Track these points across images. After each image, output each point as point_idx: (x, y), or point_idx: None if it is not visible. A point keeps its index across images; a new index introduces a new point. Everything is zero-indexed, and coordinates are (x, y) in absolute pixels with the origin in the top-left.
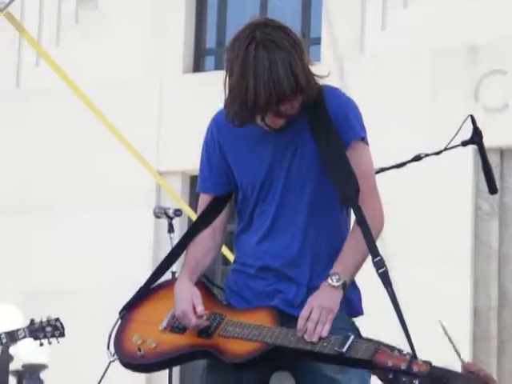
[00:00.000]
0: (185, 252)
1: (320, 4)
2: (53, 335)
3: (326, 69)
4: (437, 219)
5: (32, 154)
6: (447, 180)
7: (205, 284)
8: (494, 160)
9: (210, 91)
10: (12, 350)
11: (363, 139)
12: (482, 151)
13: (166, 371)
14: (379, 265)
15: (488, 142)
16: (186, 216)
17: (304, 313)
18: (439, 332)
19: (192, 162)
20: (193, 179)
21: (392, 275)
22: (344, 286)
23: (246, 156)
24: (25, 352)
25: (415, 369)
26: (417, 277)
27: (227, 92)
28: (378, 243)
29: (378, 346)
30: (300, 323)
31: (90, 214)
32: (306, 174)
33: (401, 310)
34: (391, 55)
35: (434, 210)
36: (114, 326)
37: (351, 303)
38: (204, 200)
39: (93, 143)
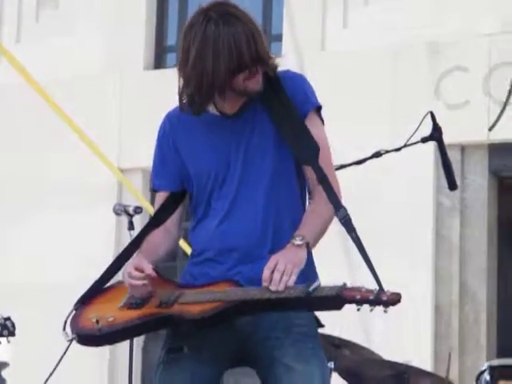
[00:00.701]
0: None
1: (281, 0)
2: (1, 335)
3: (287, 65)
4: (398, 215)
5: None
6: (408, 176)
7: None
8: (455, 156)
9: (171, 88)
10: None
11: (319, 110)
12: (441, 147)
13: (127, 367)
14: (342, 214)
15: (449, 138)
16: (146, 213)
17: (270, 263)
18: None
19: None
20: None
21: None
22: (308, 245)
23: (201, 144)
24: None
25: (384, 297)
26: (378, 273)
27: (181, 81)
28: (339, 239)
29: (345, 284)
30: (265, 273)
31: (50, 212)
32: (264, 152)
33: (366, 252)
34: (352, 52)
35: (395, 207)
36: (68, 315)
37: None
38: (160, 198)
39: (53, 140)
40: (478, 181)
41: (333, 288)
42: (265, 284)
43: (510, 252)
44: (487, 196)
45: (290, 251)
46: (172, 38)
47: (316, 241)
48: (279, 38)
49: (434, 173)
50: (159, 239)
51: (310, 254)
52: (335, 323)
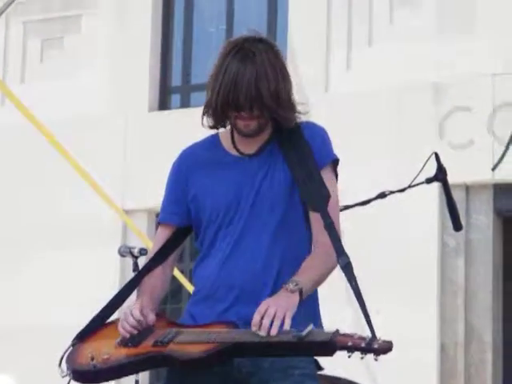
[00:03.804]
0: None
1: (285, 42)
2: None
3: None
4: (402, 256)
5: None
6: (412, 217)
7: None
8: (459, 196)
9: (176, 129)
10: None
11: (335, 165)
12: (446, 189)
13: None
14: (344, 261)
15: (453, 178)
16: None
17: (260, 308)
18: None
19: (158, 199)
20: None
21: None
22: (301, 292)
23: (215, 182)
24: None
25: (375, 345)
26: (383, 314)
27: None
28: (339, 281)
29: (337, 330)
30: (255, 318)
31: (54, 252)
32: (274, 196)
33: (363, 300)
34: (356, 94)
35: (400, 247)
36: (65, 351)
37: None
38: (162, 232)
39: (58, 181)
40: (482, 220)
41: (326, 334)
42: (254, 329)
43: None
44: (492, 235)
45: (281, 296)
46: (176, 80)
47: (311, 289)
48: None
49: (439, 212)
50: (158, 280)
51: (315, 294)
52: (339, 364)
